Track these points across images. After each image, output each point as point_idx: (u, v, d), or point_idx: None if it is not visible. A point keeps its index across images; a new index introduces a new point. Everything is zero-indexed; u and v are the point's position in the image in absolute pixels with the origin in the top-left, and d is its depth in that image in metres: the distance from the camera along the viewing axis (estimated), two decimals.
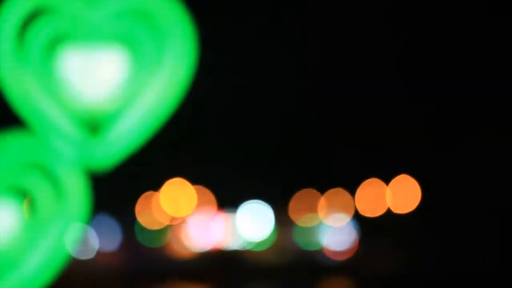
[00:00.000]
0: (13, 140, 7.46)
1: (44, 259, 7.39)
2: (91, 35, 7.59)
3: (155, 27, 7.69)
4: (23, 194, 7.47)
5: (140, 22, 7.67)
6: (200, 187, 44.46)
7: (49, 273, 7.42)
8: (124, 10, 7.62)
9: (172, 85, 7.65)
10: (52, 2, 7.48)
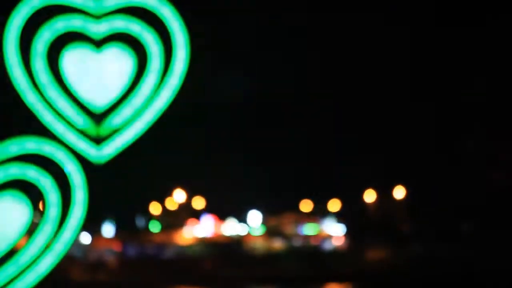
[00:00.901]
0: (20, 138, 7.65)
1: (50, 249, 7.61)
2: (95, 35, 7.80)
3: (155, 28, 7.89)
4: (31, 188, 7.67)
5: (141, 23, 7.87)
6: (198, 196, 58.78)
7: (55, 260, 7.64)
8: (125, 9, 7.82)
9: (171, 84, 7.86)
10: (59, 1, 7.68)
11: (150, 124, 7.88)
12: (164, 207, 70.24)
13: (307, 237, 62.45)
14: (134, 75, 7.93)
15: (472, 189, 60.14)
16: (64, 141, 7.79)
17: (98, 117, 7.87)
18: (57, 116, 7.73)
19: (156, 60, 7.90)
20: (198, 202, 67.74)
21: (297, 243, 60.66)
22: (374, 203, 65.30)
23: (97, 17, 7.85)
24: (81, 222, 7.80)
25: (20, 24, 7.63)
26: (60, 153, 7.74)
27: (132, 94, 7.91)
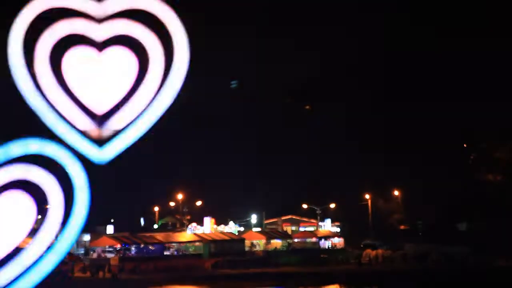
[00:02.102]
0: (23, 139, 7.74)
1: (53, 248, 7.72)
2: (97, 38, 7.89)
3: (156, 31, 8.00)
4: (34, 188, 7.77)
5: (142, 26, 7.97)
6: (199, 197, 67.08)
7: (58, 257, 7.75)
8: (127, 13, 7.92)
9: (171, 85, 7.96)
10: (62, 3, 7.77)
11: (151, 126, 7.97)
12: (165, 207, 70.44)
13: (305, 236, 62.83)
14: (135, 77, 8.03)
15: (469, 189, 60.38)
16: (67, 142, 7.88)
17: (100, 119, 7.96)
18: (59, 117, 7.82)
19: (157, 62, 7.99)
20: (199, 203, 68.09)
21: (295, 242, 61.09)
22: (371, 203, 65.63)
23: (99, 20, 7.95)
24: (83, 222, 7.89)
25: (24, 27, 7.72)
26: (63, 154, 7.84)
27: (133, 96, 8.01)
